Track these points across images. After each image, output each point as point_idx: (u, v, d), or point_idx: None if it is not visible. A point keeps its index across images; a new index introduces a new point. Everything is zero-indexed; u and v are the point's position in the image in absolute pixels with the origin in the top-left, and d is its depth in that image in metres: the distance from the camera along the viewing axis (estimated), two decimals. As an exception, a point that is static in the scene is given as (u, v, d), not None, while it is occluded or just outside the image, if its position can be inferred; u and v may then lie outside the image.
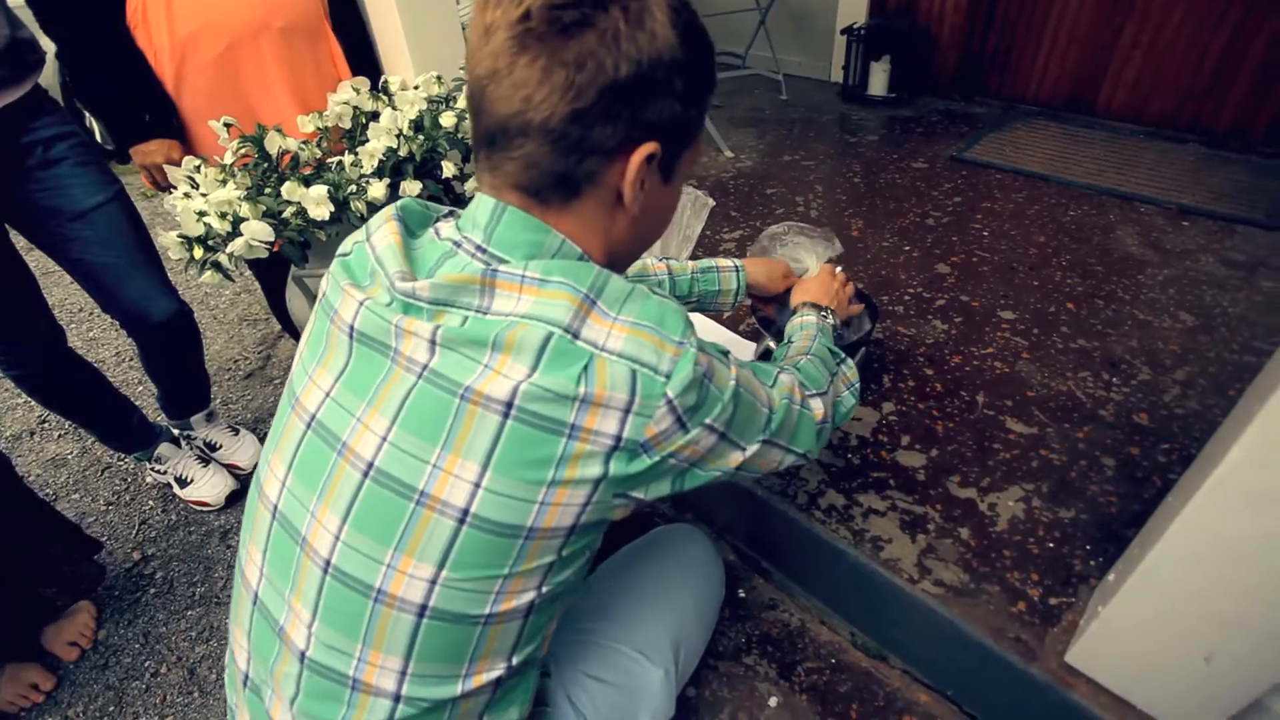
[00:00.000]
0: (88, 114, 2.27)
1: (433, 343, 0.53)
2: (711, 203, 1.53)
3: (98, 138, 2.14)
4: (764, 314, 1.28)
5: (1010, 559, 0.98)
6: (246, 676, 0.63)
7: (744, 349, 1.28)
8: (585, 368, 0.51)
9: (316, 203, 1.05)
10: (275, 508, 0.61)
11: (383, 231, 0.60)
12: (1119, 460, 1.11)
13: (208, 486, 1.50)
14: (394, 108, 1.18)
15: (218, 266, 1.07)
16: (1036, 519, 1.03)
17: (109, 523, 1.51)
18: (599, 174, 0.54)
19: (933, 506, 1.06)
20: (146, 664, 1.23)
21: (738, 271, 1.07)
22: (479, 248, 0.56)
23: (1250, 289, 1.47)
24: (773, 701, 1.01)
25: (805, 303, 0.97)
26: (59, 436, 1.77)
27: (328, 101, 1.18)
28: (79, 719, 1.16)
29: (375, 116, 1.20)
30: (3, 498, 1.18)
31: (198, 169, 1.10)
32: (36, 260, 1.26)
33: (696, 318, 1.46)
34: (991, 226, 1.77)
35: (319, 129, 1.20)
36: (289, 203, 1.06)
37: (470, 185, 1.22)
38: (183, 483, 1.52)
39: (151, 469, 1.55)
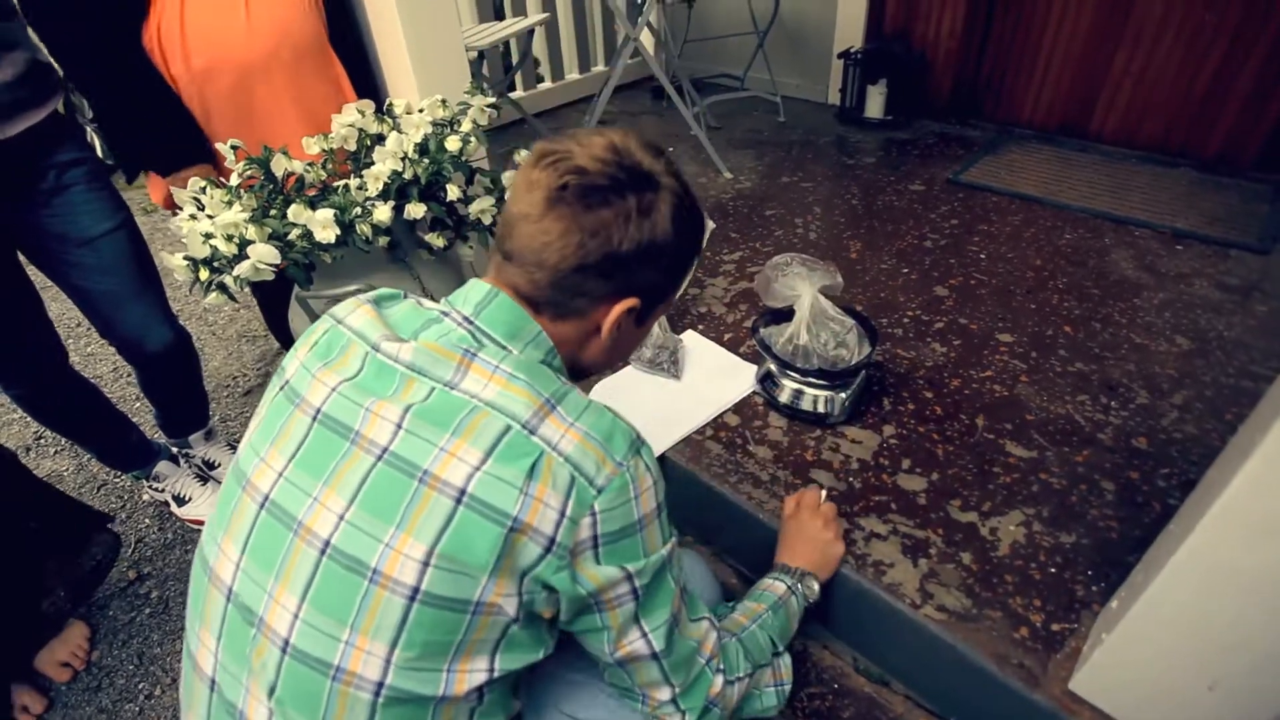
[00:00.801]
0: (89, 129, 2.27)
1: (398, 426, 0.58)
2: (711, 225, 1.54)
3: (98, 152, 2.15)
4: (763, 338, 1.30)
5: (1012, 584, 0.98)
6: None
7: (744, 372, 1.28)
8: (535, 463, 0.57)
9: (323, 225, 1.06)
10: (230, 590, 0.61)
11: (358, 313, 0.67)
12: (1119, 485, 1.12)
13: (206, 505, 1.50)
14: (399, 130, 1.20)
15: (223, 288, 1.07)
16: (1038, 544, 1.03)
17: (101, 544, 1.49)
18: (586, 311, 0.66)
19: (934, 530, 1.06)
20: (140, 686, 1.22)
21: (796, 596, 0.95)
22: (466, 319, 0.65)
23: (1245, 313, 1.49)
24: (775, 728, 1.00)
25: (783, 565, 0.96)
26: (55, 453, 1.76)
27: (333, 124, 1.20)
28: (70, 743, 1.15)
29: (380, 139, 1.21)
30: (11, 488, 1.17)
31: (204, 190, 1.11)
32: (37, 274, 1.26)
33: (695, 339, 1.46)
34: (989, 249, 1.79)
35: (324, 151, 1.21)
36: (294, 225, 1.06)
37: (474, 208, 1.23)
38: (180, 501, 1.51)
39: (149, 487, 1.55)
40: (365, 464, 0.58)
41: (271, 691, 0.58)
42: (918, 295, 1.62)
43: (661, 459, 1.25)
